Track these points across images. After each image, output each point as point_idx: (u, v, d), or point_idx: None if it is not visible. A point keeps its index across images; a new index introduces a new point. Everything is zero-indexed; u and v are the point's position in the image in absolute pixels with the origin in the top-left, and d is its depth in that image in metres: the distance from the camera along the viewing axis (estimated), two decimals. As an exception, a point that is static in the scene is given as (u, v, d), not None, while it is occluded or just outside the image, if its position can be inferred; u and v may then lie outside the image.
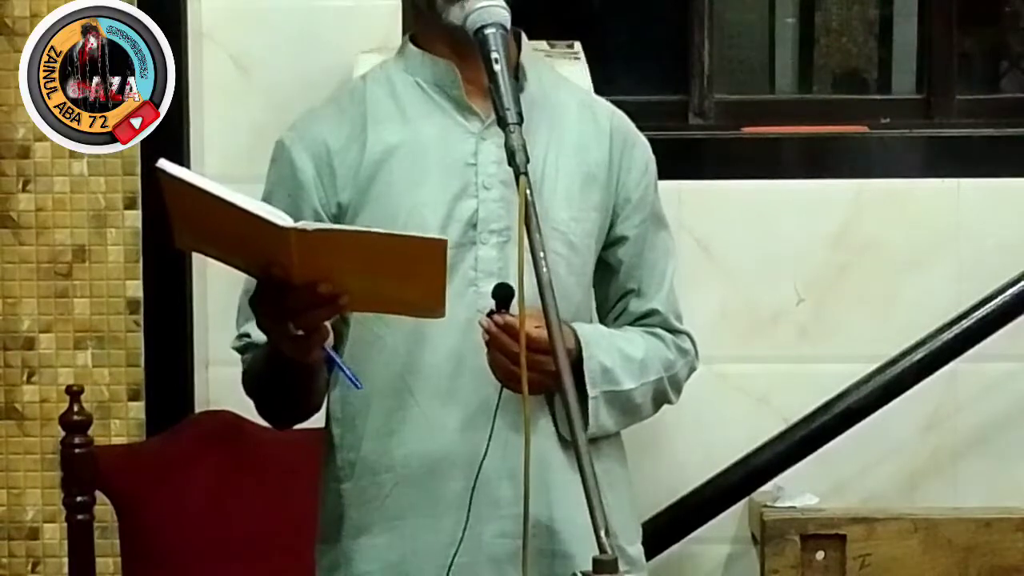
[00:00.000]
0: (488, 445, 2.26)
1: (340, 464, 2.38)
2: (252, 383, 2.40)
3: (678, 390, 2.48)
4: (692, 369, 2.50)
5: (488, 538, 2.30)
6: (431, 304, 2.13)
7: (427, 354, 2.31)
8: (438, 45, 2.36)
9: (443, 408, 2.31)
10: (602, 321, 2.46)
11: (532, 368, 2.14)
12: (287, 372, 2.24)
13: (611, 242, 2.43)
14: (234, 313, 2.42)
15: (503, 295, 2.21)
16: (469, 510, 2.27)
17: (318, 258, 2.05)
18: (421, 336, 2.30)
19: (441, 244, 2.09)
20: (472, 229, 2.32)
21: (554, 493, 2.29)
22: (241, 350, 2.41)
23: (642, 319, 2.45)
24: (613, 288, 2.46)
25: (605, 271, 2.45)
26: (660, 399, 2.44)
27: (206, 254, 2.23)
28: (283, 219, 2.04)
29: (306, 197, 2.34)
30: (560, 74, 2.55)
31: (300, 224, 2.05)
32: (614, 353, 2.35)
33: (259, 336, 2.32)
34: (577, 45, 3.41)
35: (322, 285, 2.07)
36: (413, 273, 2.09)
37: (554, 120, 2.36)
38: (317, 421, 2.45)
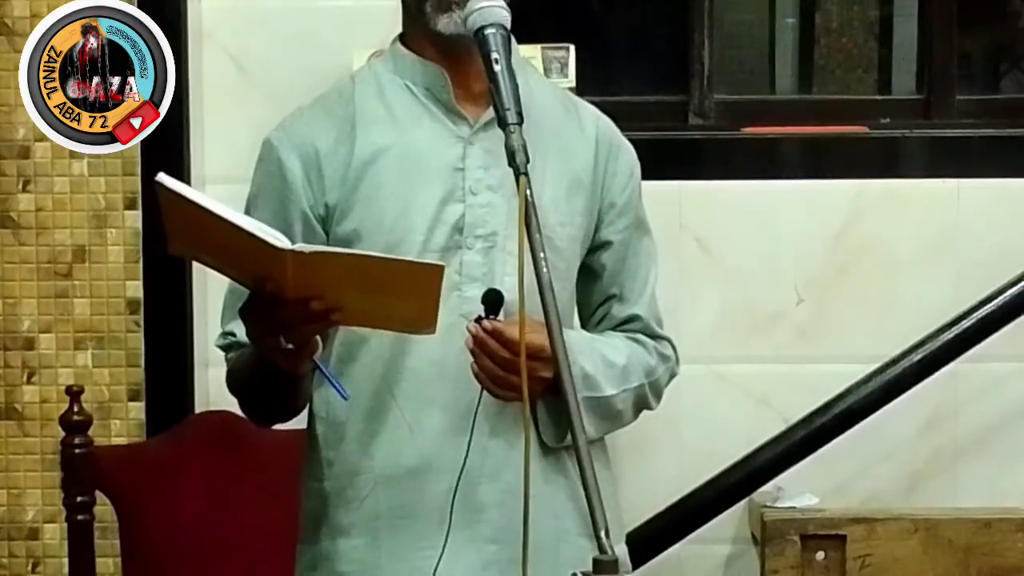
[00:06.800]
0: (468, 450, 2.26)
1: (320, 462, 2.37)
2: (237, 383, 2.40)
3: (658, 396, 2.47)
4: (673, 375, 2.49)
5: (469, 543, 2.29)
6: (423, 323, 2.13)
7: (409, 358, 2.31)
8: (427, 48, 2.36)
9: (424, 412, 2.30)
10: (583, 326, 2.46)
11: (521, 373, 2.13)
12: (273, 379, 2.24)
13: (595, 247, 2.43)
14: (232, 313, 2.42)
15: (492, 300, 2.20)
16: (451, 515, 2.27)
17: (313, 277, 2.05)
18: (404, 339, 2.29)
19: (438, 270, 2.09)
20: (458, 233, 2.31)
21: (531, 502, 2.28)
22: (225, 348, 2.40)
23: (624, 324, 2.44)
24: (595, 293, 2.45)
25: (588, 276, 2.44)
26: (641, 405, 2.43)
27: (200, 262, 2.23)
28: (279, 240, 2.04)
29: (294, 198, 2.33)
30: (546, 78, 2.55)
31: (298, 246, 2.05)
32: (596, 359, 2.34)
33: (244, 335, 2.32)
34: (571, 51, 3.39)
35: (315, 302, 2.08)
36: (408, 295, 2.10)
37: (540, 124, 2.35)
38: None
